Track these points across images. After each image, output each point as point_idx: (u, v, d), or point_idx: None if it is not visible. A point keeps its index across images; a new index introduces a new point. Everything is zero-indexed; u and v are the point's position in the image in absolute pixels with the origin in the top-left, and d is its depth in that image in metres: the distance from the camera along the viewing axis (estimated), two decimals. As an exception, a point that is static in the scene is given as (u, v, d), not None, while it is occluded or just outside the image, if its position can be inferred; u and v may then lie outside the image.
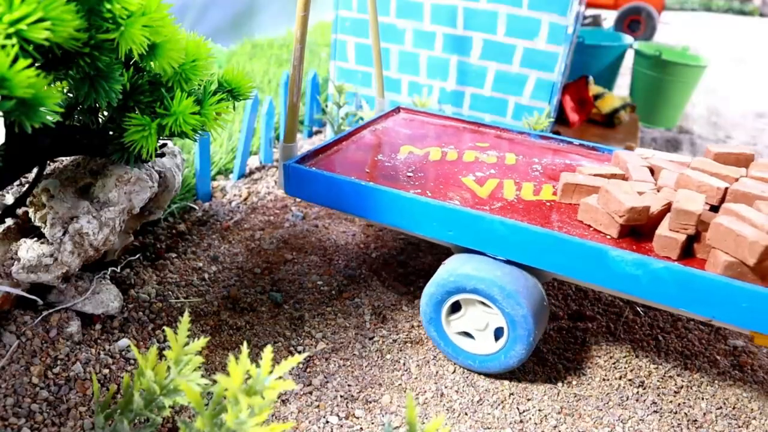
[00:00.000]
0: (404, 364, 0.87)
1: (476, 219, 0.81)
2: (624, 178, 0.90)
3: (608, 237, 0.80)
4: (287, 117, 0.97)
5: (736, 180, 0.84)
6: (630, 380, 0.87)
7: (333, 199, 0.92)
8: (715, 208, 0.81)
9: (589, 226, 0.83)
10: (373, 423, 0.76)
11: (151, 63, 0.68)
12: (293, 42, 0.93)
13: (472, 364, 0.84)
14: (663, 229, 0.77)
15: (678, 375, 0.89)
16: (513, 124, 1.39)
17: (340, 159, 1.00)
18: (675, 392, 0.85)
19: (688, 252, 0.77)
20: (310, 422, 0.75)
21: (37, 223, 0.80)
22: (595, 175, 0.90)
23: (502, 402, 0.81)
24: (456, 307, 0.86)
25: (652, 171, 0.92)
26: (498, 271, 0.80)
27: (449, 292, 0.83)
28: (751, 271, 0.70)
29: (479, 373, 0.86)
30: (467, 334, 0.86)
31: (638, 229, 0.81)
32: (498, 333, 0.84)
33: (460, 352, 0.85)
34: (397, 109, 1.26)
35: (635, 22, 4.18)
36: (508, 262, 0.82)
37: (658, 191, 0.85)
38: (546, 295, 0.86)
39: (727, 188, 0.80)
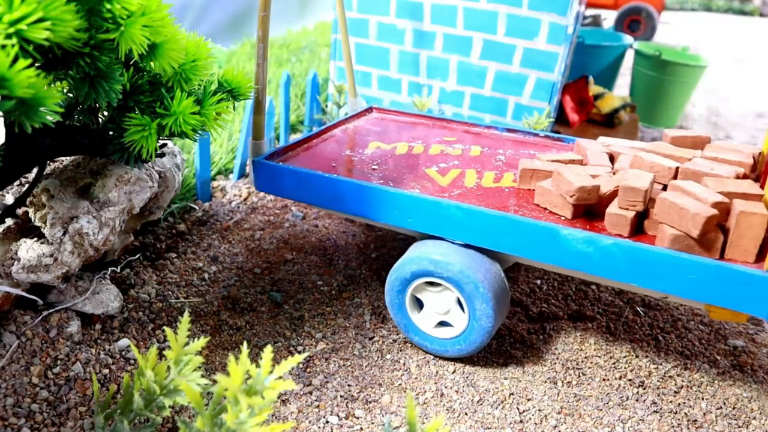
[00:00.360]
0: (404, 364, 0.87)
1: (433, 205, 0.83)
2: (582, 163, 0.92)
3: (563, 218, 0.82)
4: (254, 114, 0.98)
5: (689, 160, 0.86)
6: (630, 380, 0.87)
7: (301, 193, 0.95)
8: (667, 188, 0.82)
9: (545, 208, 0.85)
10: (373, 423, 0.76)
11: (151, 63, 0.68)
12: (255, 42, 0.93)
13: (429, 346, 0.87)
14: (613, 207, 0.78)
15: (678, 375, 0.89)
16: (513, 124, 1.39)
17: (308, 155, 1.02)
18: (675, 392, 0.85)
19: (639, 230, 0.79)
20: (310, 422, 0.75)
21: (37, 223, 0.80)
22: (553, 161, 0.92)
23: (502, 402, 0.81)
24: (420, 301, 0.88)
25: (612, 157, 0.94)
26: (464, 258, 0.82)
27: (414, 274, 0.85)
28: (697, 243, 0.71)
29: (453, 360, 0.88)
30: (443, 325, 0.88)
31: (593, 210, 0.83)
32: (456, 320, 0.86)
33: (422, 336, 0.87)
34: (370, 109, 1.28)
35: (635, 22, 4.18)
36: (467, 246, 0.84)
37: (614, 174, 0.87)
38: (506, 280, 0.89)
39: (678, 168, 0.82)
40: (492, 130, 1.17)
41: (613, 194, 0.81)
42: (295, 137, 1.21)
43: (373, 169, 0.98)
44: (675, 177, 0.83)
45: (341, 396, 0.80)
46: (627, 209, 0.77)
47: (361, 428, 0.75)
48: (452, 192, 0.90)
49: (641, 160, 0.85)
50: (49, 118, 0.53)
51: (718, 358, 0.94)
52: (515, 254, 0.81)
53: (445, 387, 0.83)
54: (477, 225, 0.81)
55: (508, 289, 0.86)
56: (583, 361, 0.90)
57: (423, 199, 0.84)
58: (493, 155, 1.05)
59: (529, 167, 0.89)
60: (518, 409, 0.80)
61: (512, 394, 0.82)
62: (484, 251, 0.85)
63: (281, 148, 1.01)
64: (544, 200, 0.85)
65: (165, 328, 0.66)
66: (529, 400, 0.82)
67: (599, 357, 0.91)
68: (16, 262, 0.76)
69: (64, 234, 0.76)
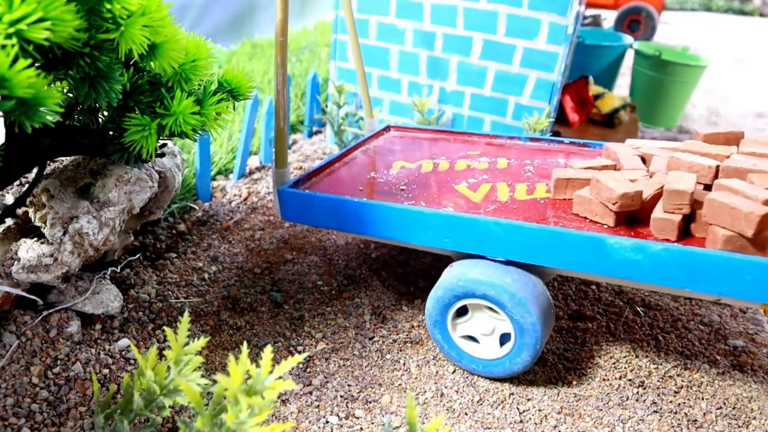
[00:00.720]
0: (404, 364, 0.87)
1: (471, 223, 0.81)
2: (615, 168, 0.91)
3: (605, 227, 0.80)
4: (276, 142, 0.96)
5: (727, 158, 0.84)
6: (630, 380, 0.87)
7: (331, 220, 0.92)
8: (709, 188, 0.81)
9: (585, 218, 0.83)
10: (373, 423, 0.76)
11: (151, 63, 0.68)
12: (274, 62, 0.90)
13: (475, 368, 0.84)
14: (658, 212, 0.77)
15: (678, 375, 0.89)
16: (513, 124, 1.39)
17: (333, 180, 1.01)
18: (675, 392, 0.85)
19: (686, 233, 0.78)
20: (310, 422, 0.75)
21: (37, 223, 0.80)
22: (587, 168, 0.90)
23: (502, 402, 0.81)
24: (462, 311, 0.86)
25: (643, 159, 0.92)
26: (508, 277, 0.79)
27: (457, 297, 0.82)
28: (750, 243, 0.70)
29: (482, 377, 0.86)
30: (471, 338, 0.86)
31: (635, 216, 0.81)
32: (503, 338, 0.83)
33: (463, 356, 0.84)
34: (387, 128, 1.27)
35: (635, 22, 4.18)
36: (508, 262, 0.82)
37: (651, 177, 0.85)
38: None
39: (718, 166, 0.81)
40: (515, 141, 1.16)
41: (655, 198, 0.79)
42: (316, 164, 1.20)
43: (402, 189, 0.96)
44: (716, 176, 0.81)
45: (341, 396, 0.80)
46: (673, 212, 0.75)
47: (361, 428, 0.75)
48: (487, 207, 0.88)
49: (678, 160, 0.83)
50: (49, 118, 0.53)
51: (718, 358, 0.94)
52: (560, 267, 0.79)
53: (445, 387, 0.83)
54: (518, 240, 0.79)
55: (552, 303, 0.84)
56: (583, 361, 0.90)
57: (460, 218, 0.82)
58: (521, 166, 1.03)
59: (563, 176, 0.87)
60: (518, 409, 0.80)
61: (512, 394, 0.82)
62: (527, 266, 0.83)
63: (305, 175, 1.00)
64: (583, 209, 0.83)
65: (165, 328, 0.66)
66: (529, 400, 0.82)
67: (599, 357, 0.91)
68: (16, 262, 0.76)
69: (64, 234, 0.76)
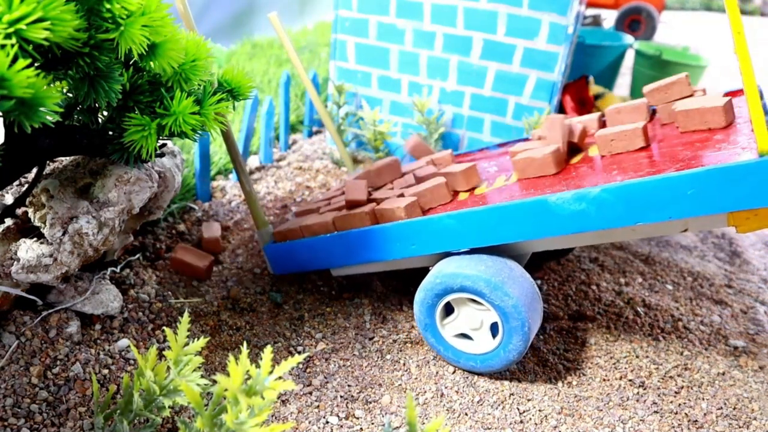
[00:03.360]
0: (404, 364, 0.87)
1: (426, 223, 0.84)
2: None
3: (549, 174, 0.86)
4: (248, 205, 0.99)
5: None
6: (630, 380, 0.87)
7: (312, 261, 0.97)
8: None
9: (528, 178, 0.88)
10: (373, 423, 0.76)
11: (151, 63, 0.68)
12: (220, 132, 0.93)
13: (474, 365, 0.84)
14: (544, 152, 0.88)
15: (678, 375, 0.89)
16: (513, 124, 1.39)
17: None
18: (675, 392, 0.85)
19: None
20: (310, 422, 0.75)
21: (37, 223, 0.80)
22: (525, 149, 0.96)
23: (502, 402, 0.81)
24: (450, 310, 0.87)
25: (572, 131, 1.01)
26: (481, 265, 0.81)
27: (438, 295, 0.83)
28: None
29: (482, 374, 0.85)
30: (465, 336, 0.86)
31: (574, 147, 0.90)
32: (494, 330, 0.84)
33: (460, 355, 0.85)
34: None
35: (635, 22, 4.18)
36: (476, 251, 0.84)
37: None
38: (538, 285, 0.87)
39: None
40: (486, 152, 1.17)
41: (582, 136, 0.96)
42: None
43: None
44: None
45: (341, 396, 0.80)
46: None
47: (361, 428, 0.75)
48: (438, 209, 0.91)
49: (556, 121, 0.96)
50: (48, 118, 0.53)
51: (719, 358, 0.93)
52: (519, 239, 0.80)
53: (445, 387, 0.83)
54: (472, 226, 0.81)
55: (533, 283, 0.84)
56: (583, 361, 0.90)
57: (415, 222, 0.85)
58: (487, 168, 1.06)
59: (520, 158, 0.92)
60: (518, 409, 0.80)
61: (512, 394, 0.82)
62: (498, 252, 0.85)
63: (282, 231, 1.02)
64: (526, 172, 0.89)
65: (165, 328, 0.66)
66: (529, 400, 0.82)
67: (599, 357, 0.91)
68: (15, 262, 0.76)
69: (63, 234, 0.76)
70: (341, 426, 0.75)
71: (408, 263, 0.93)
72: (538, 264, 1.15)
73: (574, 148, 0.96)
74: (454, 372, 0.86)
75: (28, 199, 0.81)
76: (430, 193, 0.91)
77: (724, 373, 0.90)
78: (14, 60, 0.49)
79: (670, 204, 0.71)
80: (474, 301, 0.83)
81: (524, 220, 0.78)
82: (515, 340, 0.80)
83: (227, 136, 0.97)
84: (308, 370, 0.84)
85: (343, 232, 0.91)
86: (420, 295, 0.85)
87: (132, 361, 0.80)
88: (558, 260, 1.18)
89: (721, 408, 0.83)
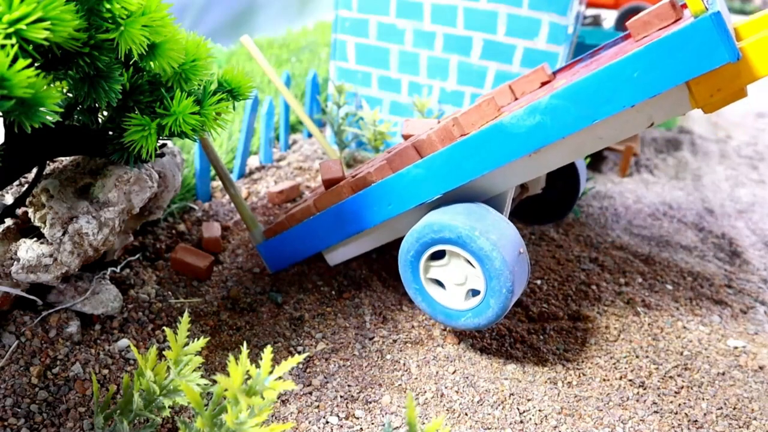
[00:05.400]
0: (404, 364, 0.87)
1: (396, 180, 0.85)
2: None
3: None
4: (237, 209, 1.01)
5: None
6: (630, 380, 0.87)
7: (303, 249, 0.98)
8: None
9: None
10: (373, 423, 0.76)
11: (151, 63, 0.68)
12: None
13: (472, 320, 0.81)
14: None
15: (678, 375, 0.89)
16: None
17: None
18: (675, 392, 0.85)
19: None
20: (310, 422, 0.75)
21: (37, 223, 0.80)
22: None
23: (502, 402, 0.81)
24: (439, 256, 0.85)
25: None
26: (450, 211, 0.80)
27: (423, 246, 0.81)
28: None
29: (466, 330, 0.86)
30: (473, 292, 0.83)
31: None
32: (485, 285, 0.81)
33: (459, 315, 0.82)
34: None
35: (635, 22, 4.17)
36: (450, 200, 0.84)
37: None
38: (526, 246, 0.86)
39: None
40: None
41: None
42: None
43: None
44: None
45: (341, 396, 0.80)
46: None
47: (361, 428, 0.75)
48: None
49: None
50: (48, 118, 0.53)
51: (718, 358, 0.93)
52: (485, 171, 0.80)
53: (445, 387, 0.83)
54: (437, 171, 0.82)
55: (515, 228, 0.81)
56: (583, 361, 0.90)
57: (385, 182, 0.85)
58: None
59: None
60: (518, 409, 0.80)
61: (512, 394, 0.82)
62: (471, 198, 0.85)
63: (271, 227, 1.03)
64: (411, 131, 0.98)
65: (165, 328, 0.66)
66: (529, 400, 0.82)
67: (599, 357, 0.91)
68: (15, 262, 0.76)
69: (63, 234, 0.76)
70: (341, 426, 0.75)
71: (396, 232, 0.94)
72: (537, 220, 1.16)
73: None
74: (454, 372, 0.86)
75: (28, 199, 0.81)
76: (399, 157, 0.90)
77: (724, 373, 0.90)
78: (14, 60, 0.49)
79: (619, 92, 0.71)
80: (463, 259, 0.81)
81: (485, 149, 0.78)
82: (498, 291, 0.76)
83: (205, 144, 0.99)
84: (308, 370, 0.84)
85: (323, 211, 0.92)
86: (403, 257, 0.84)
87: (132, 361, 0.80)
88: (557, 221, 1.17)
89: (721, 408, 0.83)
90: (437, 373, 0.85)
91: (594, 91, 0.72)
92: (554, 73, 1.11)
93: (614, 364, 0.90)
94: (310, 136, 1.71)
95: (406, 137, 1.18)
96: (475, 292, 0.82)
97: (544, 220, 1.19)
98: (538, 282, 1.10)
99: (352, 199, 0.89)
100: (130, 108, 0.73)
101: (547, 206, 1.17)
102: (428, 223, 0.80)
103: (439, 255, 0.84)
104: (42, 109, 0.52)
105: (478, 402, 0.81)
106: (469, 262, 0.81)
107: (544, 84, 1.03)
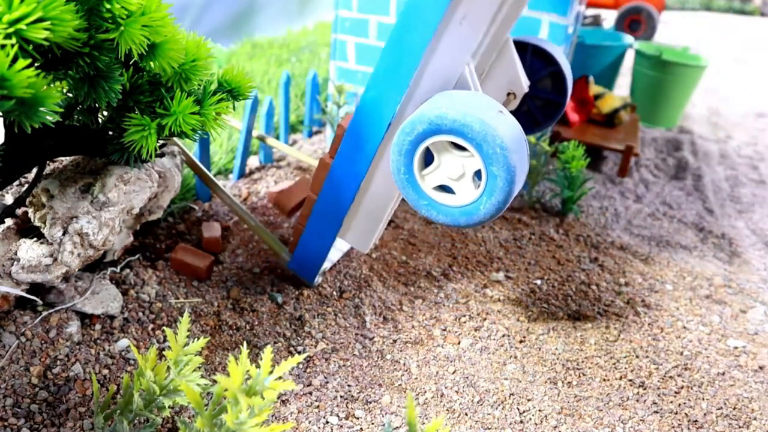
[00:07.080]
0: (404, 364, 0.87)
1: (357, 116, 0.85)
2: None
3: None
4: (262, 238, 1.04)
5: None
6: (630, 380, 0.87)
7: (321, 240, 0.98)
8: None
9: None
10: (373, 423, 0.76)
11: (151, 63, 0.68)
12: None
13: (456, 218, 0.78)
14: None
15: (678, 375, 0.89)
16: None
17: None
18: (675, 392, 0.85)
19: None
20: (310, 422, 0.75)
21: (37, 223, 0.80)
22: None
23: (502, 402, 0.81)
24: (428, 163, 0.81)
25: None
26: (455, 99, 0.75)
27: (417, 141, 0.77)
28: None
29: (466, 227, 0.81)
30: (445, 190, 0.80)
31: None
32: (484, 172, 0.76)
33: (441, 209, 0.79)
34: None
35: (635, 22, 4.18)
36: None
37: None
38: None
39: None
40: None
41: None
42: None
43: None
44: None
45: (341, 396, 0.80)
46: None
47: (361, 428, 0.75)
48: None
49: None
50: (48, 118, 0.53)
51: (718, 358, 0.94)
52: (421, 51, 0.78)
53: (445, 387, 0.83)
54: (384, 80, 0.81)
55: (486, 95, 0.76)
56: (583, 361, 0.90)
57: (353, 122, 0.85)
58: None
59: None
60: (518, 409, 0.80)
61: (512, 394, 0.82)
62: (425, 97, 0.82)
63: (291, 242, 1.04)
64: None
65: (165, 328, 0.66)
66: (529, 400, 0.82)
67: (599, 357, 0.91)
68: (15, 262, 0.76)
69: (63, 234, 0.76)
70: (341, 426, 0.75)
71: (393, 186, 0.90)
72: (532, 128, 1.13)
73: None
74: (454, 372, 0.86)
75: (28, 199, 0.81)
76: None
77: (724, 373, 0.90)
78: (14, 60, 0.49)
79: None
80: (456, 146, 0.76)
81: (411, 31, 0.77)
82: (492, 154, 0.72)
83: (191, 164, 0.99)
84: (308, 370, 0.84)
85: (322, 191, 0.92)
86: (396, 140, 0.78)
87: (132, 361, 0.80)
88: (551, 118, 1.12)
89: (721, 408, 0.83)
90: (437, 373, 0.85)
91: None
92: None
93: (614, 364, 0.90)
94: (310, 135, 1.71)
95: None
96: (479, 176, 0.78)
97: (540, 126, 1.12)
98: (538, 282, 1.10)
99: (336, 158, 0.89)
100: (130, 108, 0.73)
101: (539, 110, 1.12)
102: (398, 132, 0.76)
103: (427, 164, 0.80)
104: (42, 109, 0.52)
105: (478, 402, 0.81)
106: (454, 144, 0.76)
107: None
